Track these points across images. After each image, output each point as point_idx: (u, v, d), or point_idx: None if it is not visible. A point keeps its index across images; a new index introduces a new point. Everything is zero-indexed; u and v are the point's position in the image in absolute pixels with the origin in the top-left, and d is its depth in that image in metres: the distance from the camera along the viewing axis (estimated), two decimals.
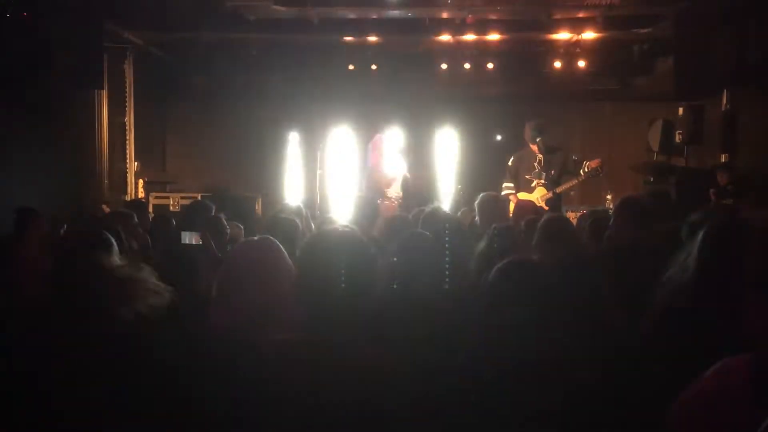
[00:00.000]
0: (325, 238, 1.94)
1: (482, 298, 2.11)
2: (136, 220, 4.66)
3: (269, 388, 1.73)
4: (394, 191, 7.20)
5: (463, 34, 8.17)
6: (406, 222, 4.22)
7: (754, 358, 1.36)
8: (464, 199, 8.42)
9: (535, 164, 7.21)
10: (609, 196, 7.82)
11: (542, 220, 3.77)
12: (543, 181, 7.17)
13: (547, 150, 7.21)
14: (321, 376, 1.72)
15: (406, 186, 7.26)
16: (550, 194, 7.15)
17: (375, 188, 7.22)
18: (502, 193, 7.19)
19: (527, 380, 1.89)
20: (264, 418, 1.72)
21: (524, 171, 7.27)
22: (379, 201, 7.09)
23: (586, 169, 6.98)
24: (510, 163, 7.39)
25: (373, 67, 8.99)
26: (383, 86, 9.31)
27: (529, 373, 1.90)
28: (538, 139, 7.15)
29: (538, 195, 7.16)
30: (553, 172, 7.19)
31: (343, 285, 1.77)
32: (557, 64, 8.90)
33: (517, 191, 7.26)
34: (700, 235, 2.89)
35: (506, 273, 2.08)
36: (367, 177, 7.31)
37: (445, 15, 7.78)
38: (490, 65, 8.94)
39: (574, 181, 7.16)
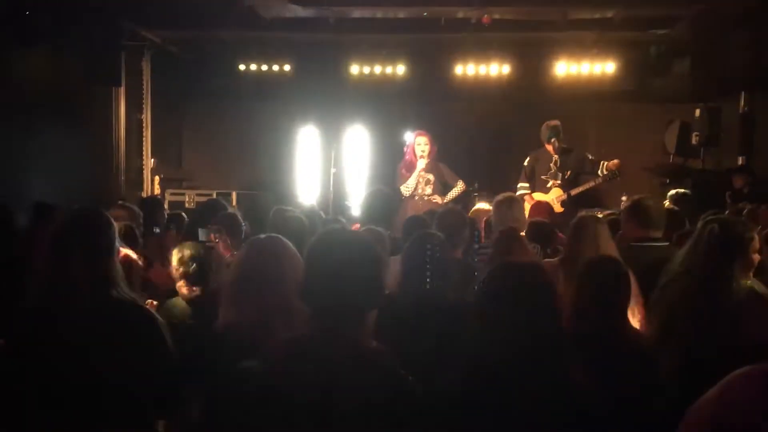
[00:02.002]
0: (327, 239, 1.95)
1: (477, 300, 2.12)
2: (139, 214, 4.72)
3: (275, 387, 1.74)
4: (410, 189, 7.18)
5: (478, 33, 8.15)
6: (422, 222, 4.23)
7: (766, 368, 1.34)
8: (479, 198, 8.41)
9: (551, 165, 7.19)
10: (624, 198, 7.78)
11: (575, 219, 3.76)
12: (559, 182, 7.15)
13: (562, 151, 7.20)
14: (327, 376, 1.73)
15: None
16: (566, 195, 7.13)
17: (396, 184, 7.21)
18: (517, 193, 7.17)
19: (517, 378, 1.90)
20: (270, 418, 1.73)
21: (540, 171, 7.25)
22: (407, 197, 7.09)
23: (605, 171, 6.95)
24: (526, 164, 7.38)
25: (390, 67, 9.00)
26: (399, 86, 9.31)
27: (517, 374, 1.91)
28: (552, 140, 7.13)
29: (553, 196, 7.15)
30: (569, 173, 7.17)
31: (346, 286, 1.78)
32: (573, 64, 8.86)
33: (533, 191, 7.25)
34: (708, 239, 2.89)
35: (493, 275, 2.09)
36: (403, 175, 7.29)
37: (461, 15, 7.77)
38: (506, 65, 8.92)
39: (591, 183, 7.13)
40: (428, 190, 7.19)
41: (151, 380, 2.17)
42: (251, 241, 2.55)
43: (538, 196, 7.18)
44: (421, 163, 7.12)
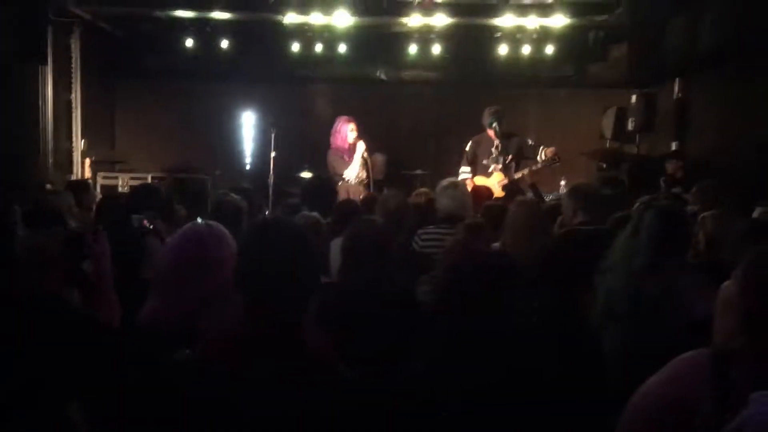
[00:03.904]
0: (260, 226, 1.86)
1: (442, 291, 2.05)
2: (73, 200, 4.51)
3: (209, 383, 1.64)
4: (355, 173, 7.16)
5: (419, 16, 8.09)
6: (355, 207, 4.18)
7: (712, 353, 1.34)
8: (421, 182, 8.41)
9: (493, 149, 7.23)
10: (563, 182, 7.90)
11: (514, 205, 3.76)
12: (500, 167, 7.19)
13: (503, 136, 7.24)
14: (264, 370, 1.64)
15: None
16: (507, 180, 7.18)
17: (336, 170, 7.18)
18: (459, 177, 7.21)
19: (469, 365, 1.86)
20: (203, 415, 1.63)
21: (482, 156, 7.30)
22: (339, 183, 7.07)
23: (543, 156, 7.04)
24: (467, 148, 7.41)
25: (331, 49, 8.85)
26: (339, 69, 9.18)
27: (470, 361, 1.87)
28: (494, 125, 7.17)
29: (495, 180, 7.18)
30: (510, 157, 7.23)
31: (281, 274, 1.70)
32: (512, 50, 8.89)
33: (474, 176, 7.29)
34: (649, 223, 2.91)
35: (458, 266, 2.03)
36: (330, 159, 7.24)
37: None
38: (447, 49, 8.88)
39: (532, 168, 7.21)
40: (363, 174, 7.21)
41: (66, 371, 1.99)
42: (185, 227, 2.42)
43: (480, 180, 7.21)
44: (362, 146, 7.12)
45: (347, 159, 7.21)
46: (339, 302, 2.54)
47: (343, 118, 7.34)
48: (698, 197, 4.72)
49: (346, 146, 7.21)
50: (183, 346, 1.73)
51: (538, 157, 7.12)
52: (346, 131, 7.25)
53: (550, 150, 7.05)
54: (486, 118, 7.26)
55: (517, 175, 7.22)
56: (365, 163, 7.25)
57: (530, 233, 3.49)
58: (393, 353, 2.09)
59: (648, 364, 1.93)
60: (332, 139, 7.28)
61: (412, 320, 2.39)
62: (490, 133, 7.26)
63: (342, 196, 6.67)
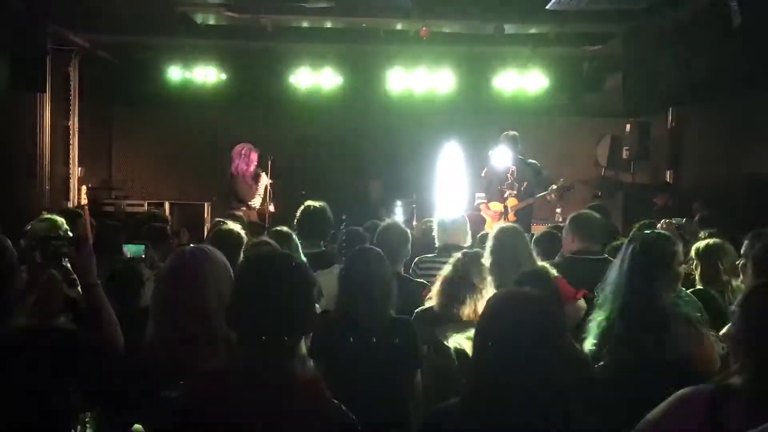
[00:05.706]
0: (258, 262, 1.84)
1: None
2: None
3: (199, 423, 1.61)
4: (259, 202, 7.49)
5: (416, 45, 8.16)
6: (359, 236, 4.17)
7: (711, 389, 1.33)
8: (416, 210, 8.42)
9: (508, 175, 7.19)
10: (558, 210, 7.92)
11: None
12: (515, 192, 7.16)
13: (519, 162, 7.25)
14: (257, 410, 1.62)
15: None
16: (522, 205, 7.17)
17: (243, 197, 7.41)
18: (474, 202, 7.22)
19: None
20: None
21: (497, 181, 7.26)
22: (235, 209, 7.17)
23: (560, 183, 7.06)
24: (483, 173, 7.40)
25: (327, 77, 8.90)
26: (337, 96, 9.23)
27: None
28: (511, 150, 7.18)
29: (510, 205, 7.16)
30: (525, 183, 7.21)
31: (279, 312, 1.68)
32: (508, 79, 8.95)
33: (490, 201, 7.27)
34: (631, 255, 2.89)
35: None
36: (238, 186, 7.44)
37: (399, 27, 7.77)
38: (444, 78, 8.93)
39: (546, 196, 7.22)
40: (259, 202, 7.56)
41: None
42: (175, 252, 2.38)
43: (495, 205, 7.21)
44: (265, 177, 7.47)
45: (254, 187, 7.39)
46: (335, 333, 2.53)
47: (248, 145, 7.50)
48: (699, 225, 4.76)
49: (250, 174, 7.40)
50: (175, 381, 1.70)
51: (554, 185, 7.15)
52: (255, 159, 7.43)
53: (561, 180, 7.11)
54: (502, 143, 7.25)
55: (531, 201, 7.23)
56: (265, 193, 7.50)
57: (515, 260, 3.50)
58: (389, 384, 2.08)
59: (635, 397, 1.91)
60: (237, 164, 7.38)
61: (409, 350, 2.37)
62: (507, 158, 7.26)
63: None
